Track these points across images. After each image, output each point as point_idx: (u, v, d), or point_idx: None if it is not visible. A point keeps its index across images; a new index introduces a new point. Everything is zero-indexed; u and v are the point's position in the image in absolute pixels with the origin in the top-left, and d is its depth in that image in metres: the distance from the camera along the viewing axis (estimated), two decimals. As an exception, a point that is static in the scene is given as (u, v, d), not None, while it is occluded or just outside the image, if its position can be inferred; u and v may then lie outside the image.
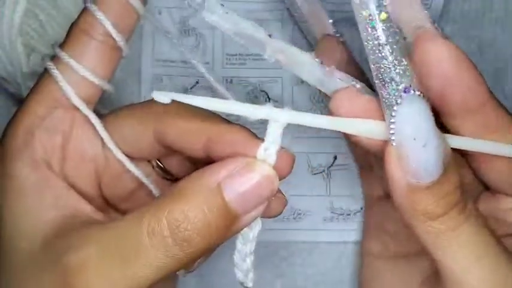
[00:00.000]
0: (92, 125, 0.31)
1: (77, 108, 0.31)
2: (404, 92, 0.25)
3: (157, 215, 0.27)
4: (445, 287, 0.29)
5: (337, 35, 0.37)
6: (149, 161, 0.34)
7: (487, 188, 0.32)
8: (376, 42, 0.25)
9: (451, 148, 0.27)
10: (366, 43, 0.25)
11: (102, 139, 0.31)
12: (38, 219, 0.29)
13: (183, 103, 0.29)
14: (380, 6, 0.24)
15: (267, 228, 0.41)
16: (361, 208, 0.41)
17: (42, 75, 0.31)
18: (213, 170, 0.28)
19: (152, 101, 0.28)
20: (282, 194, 0.30)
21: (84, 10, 0.31)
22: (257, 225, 0.30)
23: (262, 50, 0.28)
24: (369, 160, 0.38)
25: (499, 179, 0.30)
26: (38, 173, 0.30)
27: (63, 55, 0.31)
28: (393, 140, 0.26)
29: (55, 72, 0.30)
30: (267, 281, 0.41)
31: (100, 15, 0.30)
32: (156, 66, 0.41)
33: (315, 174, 0.41)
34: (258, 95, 0.41)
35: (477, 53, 0.42)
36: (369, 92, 0.29)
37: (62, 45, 0.31)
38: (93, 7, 0.30)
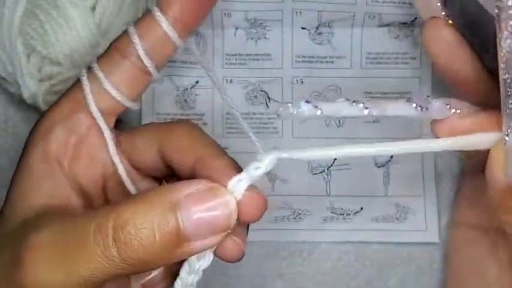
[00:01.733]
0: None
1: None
2: None
3: (107, 213, 0.27)
4: None
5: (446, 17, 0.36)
6: (158, 180, 0.34)
7: None
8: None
9: None
10: (503, 53, 0.26)
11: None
12: (29, 205, 0.31)
13: (189, 124, 0.32)
14: None
15: (267, 228, 0.41)
16: (361, 208, 0.41)
17: (76, 81, 0.33)
18: (177, 187, 0.28)
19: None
20: (242, 240, 0.30)
21: (125, 31, 0.32)
22: (206, 258, 0.29)
23: (361, 113, 0.29)
24: None
25: None
26: (47, 164, 0.32)
27: (95, 66, 0.32)
28: (505, 144, 0.28)
29: (84, 80, 0.32)
30: (267, 281, 0.41)
31: (135, 39, 0.32)
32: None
33: (315, 174, 0.41)
34: (258, 95, 0.41)
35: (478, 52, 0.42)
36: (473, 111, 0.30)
37: (99, 57, 0.33)
38: (132, 29, 0.32)
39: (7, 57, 0.37)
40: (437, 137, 0.30)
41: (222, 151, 0.31)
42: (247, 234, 0.31)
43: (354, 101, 0.28)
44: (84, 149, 0.32)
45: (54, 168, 0.32)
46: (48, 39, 0.36)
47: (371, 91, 0.41)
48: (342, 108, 0.28)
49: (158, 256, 0.27)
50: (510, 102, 0.27)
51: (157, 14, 0.31)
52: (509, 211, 0.29)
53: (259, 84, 0.41)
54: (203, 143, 0.31)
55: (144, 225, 0.26)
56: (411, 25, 0.40)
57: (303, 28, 0.41)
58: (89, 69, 0.32)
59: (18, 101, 0.39)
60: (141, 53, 0.32)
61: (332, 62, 0.41)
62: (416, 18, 0.40)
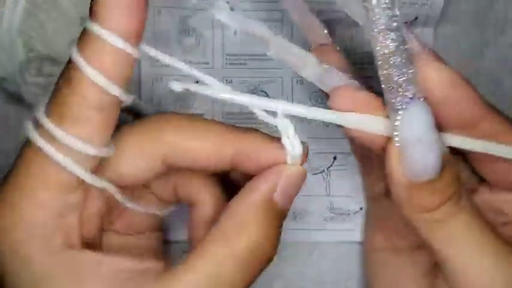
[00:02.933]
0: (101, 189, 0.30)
1: (84, 184, 0.28)
2: (411, 98, 0.27)
3: (226, 254, 0.28)
4: (446, 277, 0.30)
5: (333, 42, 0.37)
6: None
7: (483, 179, 0.33)
8: (386, 50, 0.26)
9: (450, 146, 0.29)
10: (376, 50, 0.27)
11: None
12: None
13: (191, 124, 0.30)
14: (392, 16, 0.26)
15: (267, 228, 0.41)
16: (361, 208, 0.41)
17: (27, 148, 0.28)
18: (259, 188, 0.29)
19: (160, 118, 0.30)
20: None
21: (69, 63, 0.27)
22: None
23: (266, 49, 0.30)
24: (369, 158, 0.38)
25: (495, 176, 0.32)
26: (58, 257, 0.28)
27: (52, 127, 0.27)
28: (396, 140, 0.27)
29: (48, 148, 0.27)
30: (267, 281, 0.41)
31: (87, 67, 0.26)
32: (156, 66, 0.41)
33: (314, 174, 0.41)
34: (258, 95, 0.41)
35: (477, 53, 0.42)
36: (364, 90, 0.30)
37: (47, 105, 0.28)
38: (79, 60, 0.27)
39: (7, 56, 0.37)
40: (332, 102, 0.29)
41: (247, 130, 0.31)
42: None
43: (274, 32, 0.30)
44: (86, 217, 0.30)
45: (75, 255, 0.28)
46: (48, 39, 0.36)
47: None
48: (253, 25, 0.30)
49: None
50: (392, 97, 0.27)
51: (98, 28, 0.27)
52: (417, 208, 0.28)
53: (259, 84, 0.41)
54: (231, 135, 0.31)
55: (264, 243, 0.29)
56: (411, 25, 0.40)
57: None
58: (39, 128, 0.27)
59: (18, 100, 0.39)
60: (102, 81, 0.27)
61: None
62: (416, 18, 0.40)
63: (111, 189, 0.30)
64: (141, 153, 0.30)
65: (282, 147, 0.30)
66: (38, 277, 0.27)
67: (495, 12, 0.42)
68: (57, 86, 0.28)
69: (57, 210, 0.28)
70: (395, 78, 0.27)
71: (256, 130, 0.31)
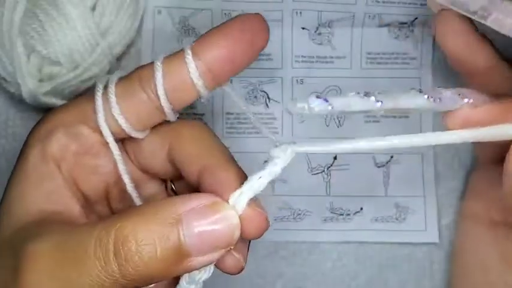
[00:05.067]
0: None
1: (100, 132, 0.31)
2: None
3: (108, 227, 0.27)
4: None
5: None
6: (164, 181, 0.34)
7: None
8: None
9: None
10: None
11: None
12: (26, 209, 0.30)
13: (198, 125, 0.31)
14: None
15: (267, 228, 0.41)
16: (361, 208, 0.41)
17: (89, 91, 0.32)
18: (178, 202, 0.27)
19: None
20: (242, 255, 0.29)
21: (152, 63, 0.30)
22: (207, 270, 0.29)
23: (374, 107, 0.28)
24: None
25: None
26: (46, 165, 0.31)
27: (111, 88, 0.30)
28: None
29: (98, 98, 0.31)
30: (267, 281, 0.41)
31: (159, 77, 0.30)
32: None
33: (314, 174, 0.41)
34: (258, 95, 0.41)
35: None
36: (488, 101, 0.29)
37: (121, 78, 0.31)
38: (158, 65, 0.30)
39: (7, 57, 0.37)
40: (448, 130, 0.29)
41: (229, 159, 0.30)
42: (248, 248, 0.30)
43: (365, 94, 0.28)
44: (86, 159, 0.32)
45: (53, 170, 0.31)
46: (48, 39, 0.36)
47: (371, 91, 0.41)
48: (353, 102, 0.27)
49: (159, 271, 0.26)
50: None
51: (188, 57, 0.30)
52: None
53: (259, 84, 0.41)
54: (210, 151, 0.31)
55: (146, 241, 0.26)
56: (411, 25, 0.40)
57: (303, 28, 0.41)
58: (105, 87, 0.31)
59: (18, 101, 0.39)
60: (161, 93, 0.30)
61: (332, 62, 0.41)
62: (416, 18, 0.40)
63: (118, 157, 0.32)
64: (153, 139, 0.32)
65: (236, 183, 0.28)
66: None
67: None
68: (136, 69, 0.31)
69: (73, 129, 0.31)
70: None
71: (237, 168, 0.30)
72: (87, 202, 0.32)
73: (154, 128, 0.32)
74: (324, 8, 0.40)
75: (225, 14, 0.40)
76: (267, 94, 0.41)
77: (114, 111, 0.30)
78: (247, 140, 0.41)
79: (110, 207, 0.33)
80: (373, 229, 0.41)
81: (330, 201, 0.41)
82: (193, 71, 0.29)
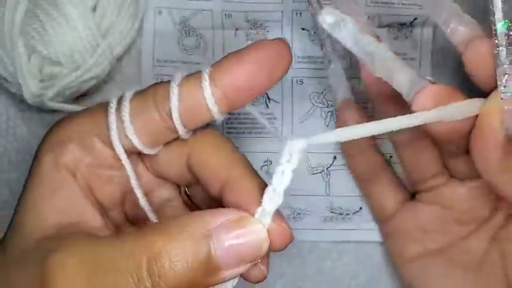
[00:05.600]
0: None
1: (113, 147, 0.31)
2: None
3: (140, 242, 0.27)
4: None
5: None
6: (178, 186, 0.34)
7: None
8: None
9: None
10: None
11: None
12: (43, 220, 0.30)
13: (216, 135, 0.31)
14: None
15: (267, 227, 0.41)
16: (360, 208, 0.41)
17: (104, 105, 0.31)
18: (208, 216, 0.28)
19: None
20: (266, 266, 0.30)
21: (169, 82, 0.30)
22: (232, 282, 0.29)
23: (372, 64, 0.29)
24: (375, 170, 0.38)
25: None
26: (60, 175, 0.30)
27: (124, 106, 0.30)
28: (503, 92, 0.28)
29: (111, 114, 0.30)
30: (267, 281, 0.41)
31: (174, 99, 0.29)
32: (156, 66, 0.41)
33: (314, 174, 0.41)
34: (258, 95, 0.41)
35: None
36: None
37: (136, 92, 0.31)
38: (174, 87, 0.29)
39: (8, 57, 0.37)
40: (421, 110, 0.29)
41: (251, 170, 0.30)
42: (268, 259, 0.31)
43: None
44: (100, 171, 0.31)
45: (68, 180, 0.30)
46: (49, 40, 0.36)
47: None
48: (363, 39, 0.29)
49: (190, 285, 0.27)
50: (506, 54, 0.28)
51: (205, 82, 0.29)
52: (503, 166, 0.29)
53: (259, 85, 0.41)
54: (232, 162, 0.31)
55: (178, 257, 0.26)
56: (410, 26, 0.41)
57: (302, 29, 0.41)
58: (119, 102, 0.31)
59: (19, 101, 0.39)
60: (175, 116, 0.29)
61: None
62: (415, 19, 0.40)
63: (130, 172, 0.31)
64: (171, 148, 0.32)
65: (257, 194, 0.29)
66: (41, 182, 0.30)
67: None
68: (148, 89, 0.30)
69: (86, 142, 0.31)
70: None
71: (258, 177, 0.30)
72: (102, 209, 0.32)
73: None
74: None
75: (225, 14, 0.40)
76: (267, 94, 0.41)
77: (127, 131, 0.30)
78: (247, 140, 0.41)
79: (124, 212, 0.33)
80: (373, 229, 0.41)
81: (330, 201, 0.41)
82: (209, 97, 0.29)
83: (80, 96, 0.40)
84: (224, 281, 0.28)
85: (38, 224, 0.29)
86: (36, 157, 0.31)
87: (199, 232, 0.27)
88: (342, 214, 0.41)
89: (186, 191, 0.34)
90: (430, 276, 0.37)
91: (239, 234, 0.27)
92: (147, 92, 0.30)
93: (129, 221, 0.33)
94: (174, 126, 0.30)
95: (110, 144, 0.30)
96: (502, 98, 0.28)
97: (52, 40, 0.36)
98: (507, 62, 0.28)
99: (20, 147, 0.40)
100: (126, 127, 0.30)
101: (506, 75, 0.28)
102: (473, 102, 0.30)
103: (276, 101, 0.41)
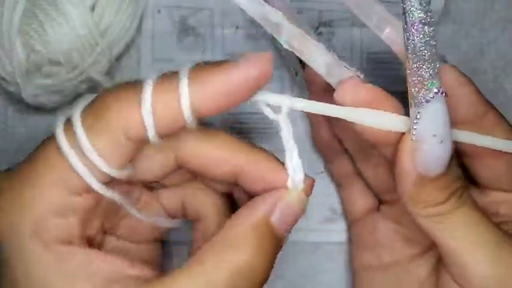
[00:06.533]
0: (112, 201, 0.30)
1: (93, 191, 0.29)
2: (436, 92, 0.27)
3: (218, 265, 0.28)
4: (451, 270, 0.31)
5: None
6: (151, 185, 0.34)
7: (474, 183, 0.34)
8: (418, 43, 0.27)
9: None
10: (407, 42, 0.27)
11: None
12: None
13: (207, 132, 0.31)
14: (427, 11, 0.26)
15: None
16: (361, 208, 0.41)
17: (47, 145, 0.28)
18: (257, 209, 0.29)
19: None
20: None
21: (134, 86, 0.28)
22: None
23: (279, 35, 0.29)
24: (348, 173, 0.39)
25: (490, 174, 0.33)
26: (52, 252, 0.28)
27: (80, 132, 0.28)
28: (414, 134, 0.28)
29: (71, 156, 0.28)
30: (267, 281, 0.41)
31: (148, 106, 0.27)
32: (155, 65, 0.41)
33: (314, 174, 0.41)
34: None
35: (477, 53, 0.42)
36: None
37: (84, 108, 0.28)
38: (147, 94, 0.27)
39: (6, 56, 0.37)
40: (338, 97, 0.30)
41: (256, 149, 0.31)
42: None
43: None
44: (92, 224, 0.30)
45: (65, 248, 0.28)
46: (48, 39, 0.36)
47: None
48: (268, 10, 0.29)
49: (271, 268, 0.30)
50: (417, 90, 0.27)
51: (183, 91, 0.27)
52: (424, 203, 0.29)
53: (259, 84, 0.41)
54: (237, 149, 0.31)
55: (258, 262, 0.29)
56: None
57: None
58: (65, 125, 0.28)
59: (18, 101, 0.39)
60: (149, 124, 0.28)
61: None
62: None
63: (120, 200, 0.31)
64: (152, 154, 0.31)
65: (284, 170, 0.30)
66: (30, 269, 0.28)
67: (495, 12, 0.42)
68: (101, 95, 0.29)
69: (62, 209, 0.28)
70: (423, 72, 0.27)
71: (263, 149, 0.31)
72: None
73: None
74: (324, 8, 0.40)
75: (225, 13, 0.40)
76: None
77: (90, 155, 0.28)
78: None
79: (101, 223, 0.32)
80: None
81: (330, 201, 0.41)
82: (186, 108, 0.28)
83: (78, 96, 0.39)
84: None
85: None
86: (16, 241, 0.28)
87: (262, 230, 0.29)
88: (342, 215, 0.41)
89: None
90: None
91: (293, 211, 0.30)
92: (103, 103, 0.28)
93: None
94: (147, 136, 0.28)
95: (82, 188, 0.29)
96: (412, 140, 0.28)
97: (51, 39, 0.36)
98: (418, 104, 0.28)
99: (18, 147, 0.40)
100: (85, 150, 0.28)
101: (417, 119, 0.28)
102: (397, 119, 0.29)
103: (276, 101, 0.41)
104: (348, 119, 0.29)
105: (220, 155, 0.31)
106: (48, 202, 0.28)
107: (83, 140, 0.28)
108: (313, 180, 0.31)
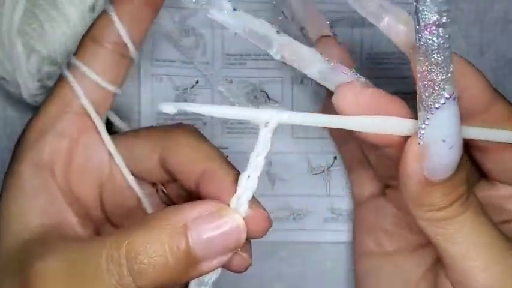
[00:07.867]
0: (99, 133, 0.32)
1: (86, 114, 0.32)
2: (447, 98, 0.26)
3: (119, 241, 0.27)
4: (450, 276, 0.30)
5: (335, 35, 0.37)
6: (155, 185, 0.34)
7: (484, 175, 0.33)
8: (431, 46, 0.25)
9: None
10: (420, 45, 0.25)
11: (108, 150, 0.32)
12: (25, 224, 0.30)
13: (191, 130, 0.31)
14: (442, 12, 0.25)
15: (267, 228, 0.41)
16: (361, 208, 0.41)
17: (58, 81, 0.32)
18: (184, 209, 0.28)
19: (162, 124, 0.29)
20: (248, 253, 0.30)
21: (98, 17, 0.32)
22: (216, 272, 0.29)
23: (269, 47, 0.29)
24: (359, 160, 0.38)
25: (500, 168, 0.32)
26: (39, 175, 0.31)
27: (74, 61, 0.32)
28: (421, 139, 0.27)
29: (68, 75, 0.32)
30: (267, 281, 0.41)
31: (117, 21, 0.31)
32: (156, 66, 0.41)
33: (314, 174, 0.41)
34: (258, 95, 0.41)
35: (477, 53, 0.42)
36: (372, 87, 0.30)
37: (74, 53, 0.32)
38: (111, 9, 0.32)
39: (6, 56, 0.37)
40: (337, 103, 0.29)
41: (226, 162, 0.31)
42: (250, 246, 0.30)
43: (277, 31, 0.28)
44: (77, 152, 0.32)
45: (47, 181, 0.31)
46: (48, 39, 0.36)
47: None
48: (255, 24, 0.28)
49: (171, 279, 0.27)
50: (428, 95, 0.26)
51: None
52: (428, 207, 0.28)
53: (259, 84, 0.41)
54: (207, 155, 0.31)
55: (157, 253, 0.27)
56: None
57: (302, 28, 0.41)
58: (68, 64, 0.32)
59: (17, 100, 0.39)
60: (124, 34, 0.32)
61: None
62: (416, 18, 0.40)
63: (99, 125, 0.32)
64: (143, 145, 0.33)
65: (233, 184, 0.29)
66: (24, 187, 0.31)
67: (495, 12, 0.42)
68: (82, 40, 0.33)
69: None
70: (435, 77, 0.25)
71: (234, 168, 0.30)
72: (82, 209, 0.32)
73: (147, 133, 0.33)
74: (324, 8, 0.40)
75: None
76: (267, 94, 0.41)
77: (88, 74, 0.32)
78: (247, 140, 0.41)
79: (104, 211, 0.33)
80: (373, 229, 0.41)
81: (330, 201, 0.41)
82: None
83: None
84: (206, 272, 0.28)
85: (19, 230, 0.30)
86: (14, 164, 0.31)
87: (177, 226, 0.27)
88: (342, 215, 0.41)
89: (163, 189, 0.34)
90: (378, 276, 0.37)
91: (216, 225, 0.27)
92: (83, 41, 0.32)
93: (109, 222, 0.33)
94: (122, 46, 0.32)
95: (81, 113, 0.32)
96: (419, 143, 0.27)
97: (51, 39, 0.36)
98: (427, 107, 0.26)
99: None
100: (84, 71, 0.32)
101: (425, 124, 0.27)
102: (403, 123, 0.28)
103: (276, 101, 0.41)
104: (349, 128, 0.28)
105: (192, 157, 0.31)
106: (47, 118, 0.32)
107: (80, 65, 0.32)
108: (264, 214, 0.29)
